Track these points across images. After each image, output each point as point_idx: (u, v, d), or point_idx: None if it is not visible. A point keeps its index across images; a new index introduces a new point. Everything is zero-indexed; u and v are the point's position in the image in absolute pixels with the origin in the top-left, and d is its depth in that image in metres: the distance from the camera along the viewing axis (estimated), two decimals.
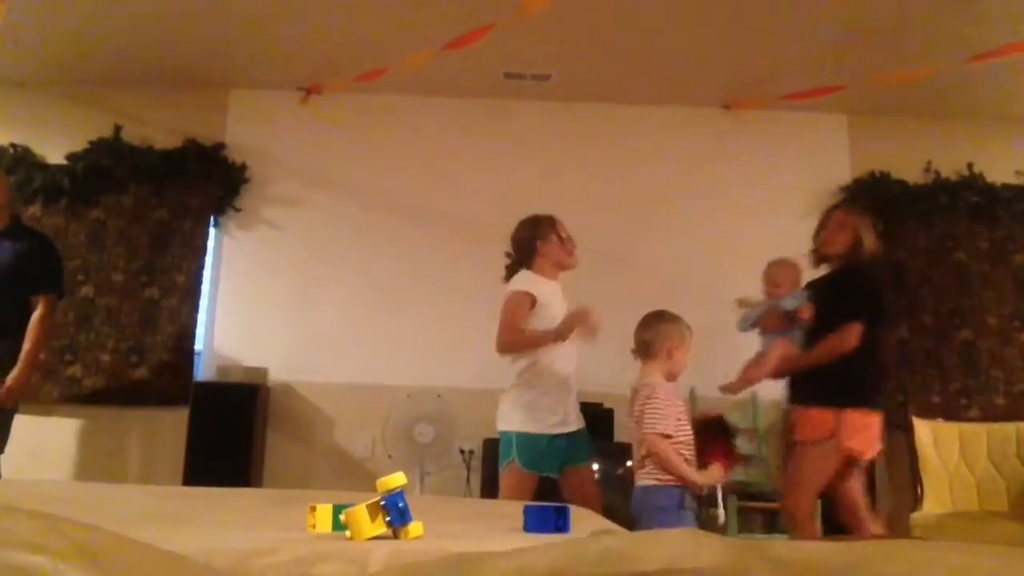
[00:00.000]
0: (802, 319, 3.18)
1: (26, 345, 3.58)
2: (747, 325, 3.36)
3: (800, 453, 3.12)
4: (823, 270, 3.38)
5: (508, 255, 3.26)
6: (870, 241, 3.21)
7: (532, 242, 3.17)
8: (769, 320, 3.29)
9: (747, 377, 3.29)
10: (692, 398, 4.43)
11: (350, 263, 4.89)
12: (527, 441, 3.02)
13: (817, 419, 3.05)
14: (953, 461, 4.24)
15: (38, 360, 3.76)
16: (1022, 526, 3.65)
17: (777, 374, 3.30)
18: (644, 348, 2.82)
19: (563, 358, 3.09)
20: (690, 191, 4.96)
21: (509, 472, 3.04)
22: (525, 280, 3.11)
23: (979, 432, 4.31)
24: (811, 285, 3.33)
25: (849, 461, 3.09)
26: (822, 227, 3.29)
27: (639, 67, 4.67)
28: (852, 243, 3.17)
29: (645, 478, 2.70)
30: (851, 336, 3.03)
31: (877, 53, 4.32)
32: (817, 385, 3.10)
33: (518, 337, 3.03)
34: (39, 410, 4.16)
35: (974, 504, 4.13)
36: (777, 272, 3.35)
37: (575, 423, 3.15)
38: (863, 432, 3.03)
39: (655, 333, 2.80)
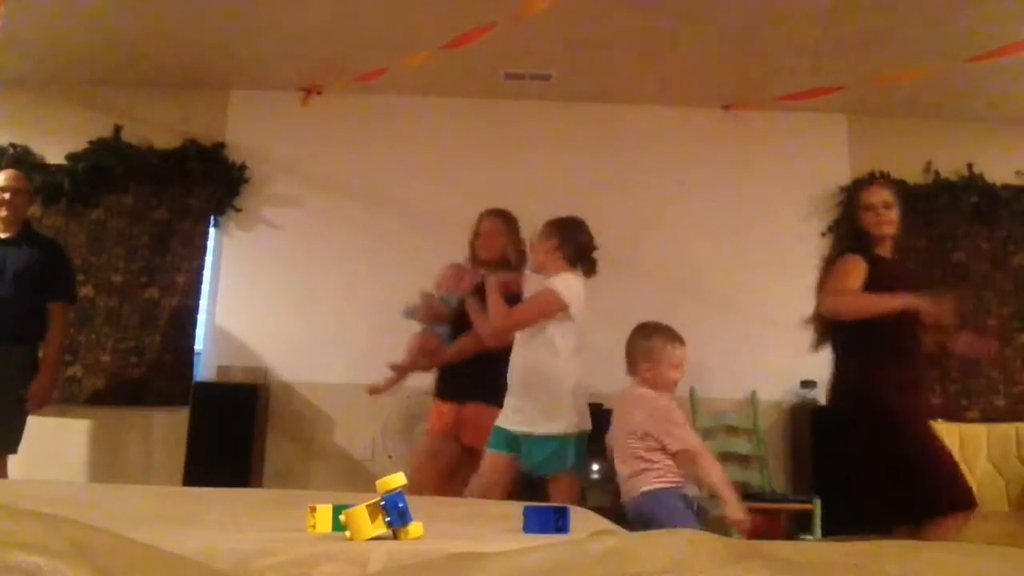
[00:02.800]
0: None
1: (48, 352, 3.70)
2: (408, 314, 3.59)
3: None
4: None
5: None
6: (517, 243, 3.47)
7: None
8: (426, 311, 3.52)
9: (395, 376, 3.61)
10: (692, 398, 4.44)
11: (350, 263, 4.89)
12: None
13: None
14: None
15: (60, 366, 3.86)
16: (1022, 526, 3.65)
17: (416, 366, 3.57)
18: (627, 358, 2.85)
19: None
20: (690, 191, 4.95)
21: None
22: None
23: (979, 432, 4.31)
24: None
25: (470, 452, 3.22)
26: (477, 234, 3.51)
27: (639, 67, 4.67)
28: (503, 248, 3.42)
29: (655, 482, 2.65)
30: (489, 336, 3.17)
31: (876, 53, 4.31)
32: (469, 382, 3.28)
33: None
34: (39, 411, 4.15)
35: None
36: (447, 270, 3.58)
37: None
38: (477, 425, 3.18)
39: (630, 346, 2.83)
